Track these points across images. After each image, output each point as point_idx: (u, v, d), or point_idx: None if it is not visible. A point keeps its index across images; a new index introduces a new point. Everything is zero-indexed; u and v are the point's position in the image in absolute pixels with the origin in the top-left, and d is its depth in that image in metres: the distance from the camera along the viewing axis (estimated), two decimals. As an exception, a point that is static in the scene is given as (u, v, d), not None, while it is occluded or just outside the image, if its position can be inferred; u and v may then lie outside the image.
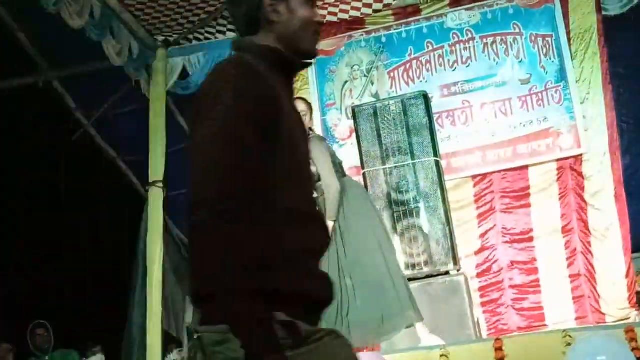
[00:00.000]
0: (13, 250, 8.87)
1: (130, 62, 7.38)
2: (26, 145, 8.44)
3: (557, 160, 7.21)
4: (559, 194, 7.17)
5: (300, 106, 5.98)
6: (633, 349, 3.74)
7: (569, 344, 3.94)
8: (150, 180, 7.12)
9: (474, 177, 7.42)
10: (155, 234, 6.93)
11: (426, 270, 6.35)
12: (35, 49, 8.18)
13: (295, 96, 6.43)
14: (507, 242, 7.22)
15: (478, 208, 7.37)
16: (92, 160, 8.90)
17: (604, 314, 6.79)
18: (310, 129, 5.98)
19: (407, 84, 7.66)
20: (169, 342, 8.19)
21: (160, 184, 7.09)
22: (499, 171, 7.35)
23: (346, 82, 7.88)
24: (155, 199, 7.06)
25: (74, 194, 8.85)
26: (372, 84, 7.78)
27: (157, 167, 7.14)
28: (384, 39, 7.84)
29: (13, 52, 7.98)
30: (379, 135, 6.71)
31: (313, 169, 5.36)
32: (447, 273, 6.33)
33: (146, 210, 7.19)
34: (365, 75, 7.82)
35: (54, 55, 8.25)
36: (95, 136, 9.00)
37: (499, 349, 4.20)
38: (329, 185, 5.41)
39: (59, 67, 8.38)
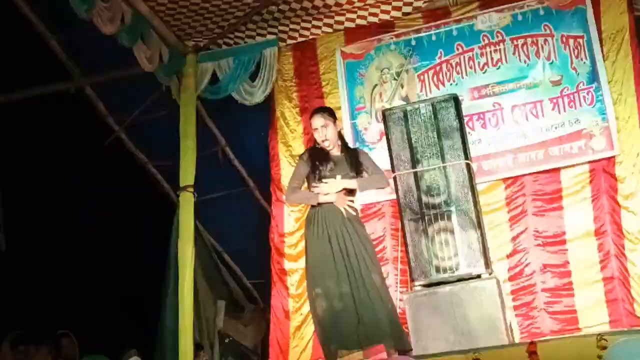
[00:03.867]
0: (44, 256, 8.94)
1: (161, 67, 7.42)
2: (58, 151, 8.50)
3: (590, 162, 7.15)
4: (592, 197, 7.11)
5: (316, 122, 6.06)
6: (669, 353, 3.70)
7: (604, 348, 3.91)
8: (181, 185, 7.16)
9: (505, 179, 7.38)
10: (186, 238, 6.96)
11: (457, 273, 6.33)
12: (68, 55, 8.27)
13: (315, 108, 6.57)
14: (539, 245, 7.16)
15: (510, 211, 7.32)
16: (123, 166, 8.96)
17: (638, 317, 6.71)
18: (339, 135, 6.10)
19: (437, 86, 7.64)
20: (197, 347, 8.22)
21: (191, 189, 7.12)
22: (531, 174, 7.30)
23: (376, 85, 7.88)
24: (186, 203, 7.09)
25: (105, 199, 8.91)
26: (402, 87, 7.76)
27: (187, 172, 7.17)
28: (413, 42, 7.82)
29: (45, 58, 8.07)
30: (409, 139, 6.69)
31: None
32: (478, 276, 6.30)
33: (177, 215, 7.22)
34: (395, 79, 7.80)
35: (86, 61, 8.33)
36: (127, 142, 9.07)
37: (532, 353, 4.17)
38: None
39: (90, 73, 8.46)
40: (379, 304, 5.78)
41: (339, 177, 6.01)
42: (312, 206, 6.03)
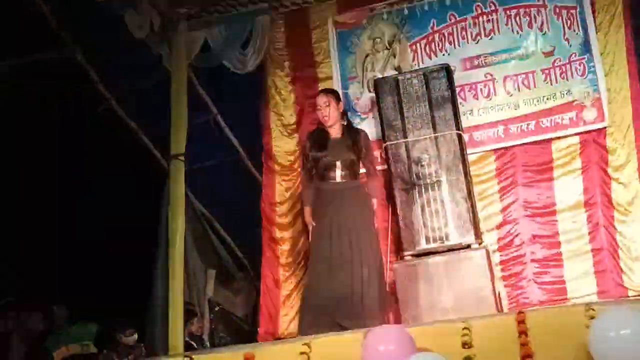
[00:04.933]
0: (36, 225, 8.94)
1: (152, 35, 7.37)
2: (49, 118, 8.47)
3: (581, 133, 7.15)
4: (582, 168, 7.12)
5: (319, 100, 6.35)
6: (656, 323, 3.73)
7: (592, 318, 3.93)
8: (172, 153, 7.14)
9: (496, 150, 7.38)
10: (177, 207, 6.95)
11: (447, 243, 6.37)
12: (58, 22, 8.20)
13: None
14: (529, 215, 7.18)
15: (500, 182, 7.33)
16: (114, 134, 8.93)
17: (626, 288, 6.76)
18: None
19: (430, 56, 7.61)
20: (189, 314, 8.27)
21: (182, 157, 7.11)
22: (521, 145, 7.30)
23: (368, 55, 7.84)
24: (177, 172, 7.07)
25: (97, 166, 8.90)
26: (394, 57, 7.73)
27: (178, 141, 7.14)
28: (406, 12, 7.78)
29: (36, 25, 8.01)
30: (401, 109, 6.72)
31: None
32: (468, 247, 6.34)
33: (168, 183, 7.21)
34: (387, 48, 7.77)
35: (77, 28, 8.27)
36: (118, 109, 9.03)
37: (521, 322, 4.19)
38: None
39: (81, 40, 8.40)
40: (369, 282, 5.90)
41: (338, 163, 6.28)
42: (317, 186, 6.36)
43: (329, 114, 6.45)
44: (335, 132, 6.48)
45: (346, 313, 5.94)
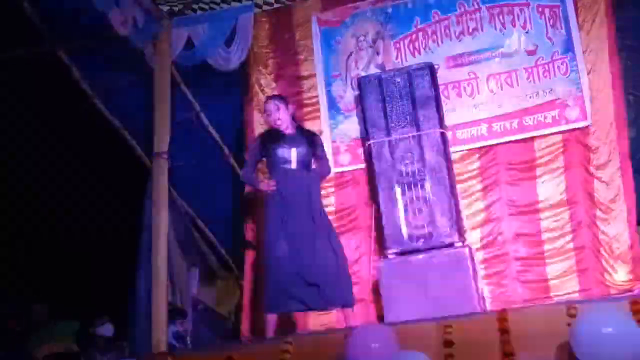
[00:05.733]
0: (16, 221, 8.89)
1: (136, 32, 7.34)
2: (31, 115, 8.42)
3: (563, 132, 7.18)
4: (565, 166, 7.14)
5: (268, 107, 6.36)
6: (637, 321, 3.74)
7: (574, 316, 3.94)
8: (155, 151, 7.12)
9: (479, 149, 7.40)
10: (160, 204, 6.93)
11: (431, 242, 6.38)
12: (42, 18, 8.15)
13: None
14: (512, 214, 7.20)
15: (483, 180, 7.35)
16: (96, 131, 8.88)
17: (608, 287, 6.79)
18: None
19: (413, 55, 7.62)
20: (174, 313, 8.24)
21: (165, 155, 7.09)
22: (505, 143, 7.32)
23: (351, 53, 7.85)
24: (161, 169, 7.05)
25: (79, 164, 8.86)
26: (378, 55, 7.74)
27: (162, 138, 7.12)
28: (389, 10, 7.79)
29: (18, 21, 7.95)
30: (384, 107, 6.72)
31: None
32: (451, 245, 6.35)
33: (151, 181, 7.19)
34: (370, 46, 7.77)
35: (59, 24, 8.21)
36: (101, 107, 8.98)
37: (503, 321, 4.21)
38: None
39: (64, 37, 8.35)
40: (334, 261, 5.91)
41: (294, 149, 6.16)
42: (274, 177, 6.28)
43: (281, 116, 6.36)
44: (289, 131, 6.39)
45: (310, 292, 5.92)
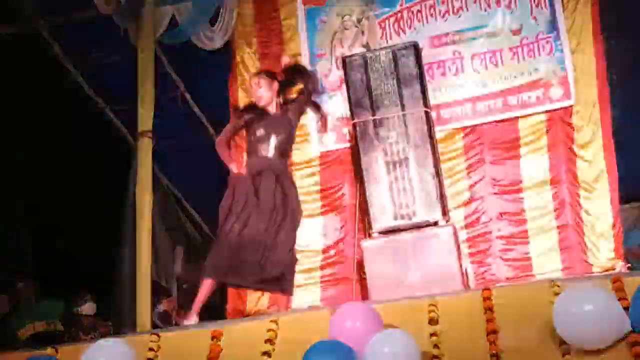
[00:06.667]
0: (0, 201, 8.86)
1: (119, 10, 7.28)
2: (14, 94, 8.36)
3: (547, 111, 7.22)
4: (548, 145, 7.18)
5: (252, 81, 6.23)
6: (619, 299, 3.78)
7: (556, 294, 3.96)
8: (139, 130, 7.09)
9: (463, 128, 7.42)
10: (144, 184, 6.91)
11: (415, 220, 6.40)
12: (24, -4, 8.09)
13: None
14: (495, 193, 7.24)
15: (467, 159, 7.38)
16: (80, 110, 8.83)
17: (590, 265, 6.86)
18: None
19: (398, 34, 7.61)
20: (159, 292, 8.24)
21: (150, 134, 7.06)
22: (489, 122, 7.35)
23: (336, 32, 7.83)
24: (145, 149, 7.02)
25: (62, 143, 8.81)
26: (363, 34, 7.73)
27: (146, 117, 7.09)
28: (375, -12, 7.77)
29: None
30: (369, 86, 6.70)
31: None
32: (435, 224, 6.37)
33: (135, 160, 7.16)
34: (355, 26, 7.76)
35: (42, 3, 8.15)
36: (84, 86, 8.93)
37: (487, 299, 4.22)
38: None
39: (47, 15, 8.28)
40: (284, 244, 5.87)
41: (273, 136, 6.02)
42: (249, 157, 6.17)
43: (262, 94, 6.09)
44: (273, 110, 6.20)
45: (251, 270, 5.87)
